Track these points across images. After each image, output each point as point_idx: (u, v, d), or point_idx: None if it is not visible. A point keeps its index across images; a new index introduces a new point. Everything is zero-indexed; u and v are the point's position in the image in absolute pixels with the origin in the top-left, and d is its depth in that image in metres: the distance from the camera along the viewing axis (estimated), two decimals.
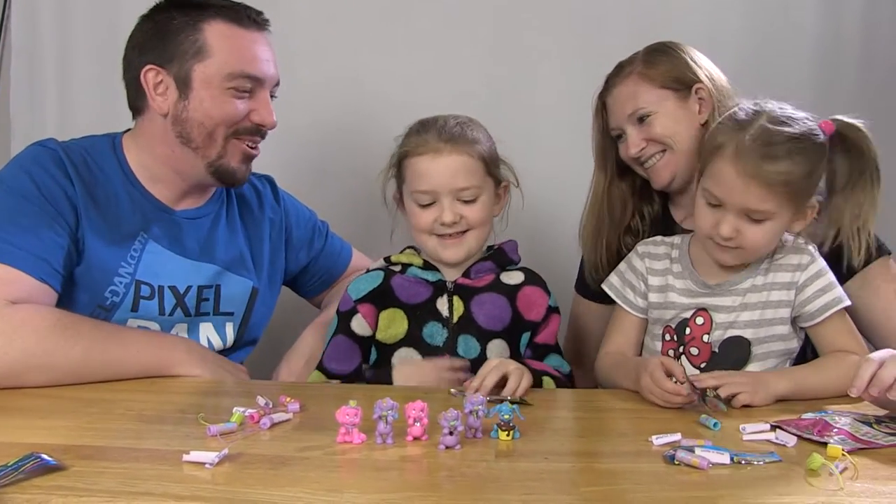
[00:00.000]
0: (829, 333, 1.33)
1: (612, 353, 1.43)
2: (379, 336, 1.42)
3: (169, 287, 1.47)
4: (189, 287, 1.49)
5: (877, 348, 1.42)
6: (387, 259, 1.48)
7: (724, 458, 0.97)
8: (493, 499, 0.88)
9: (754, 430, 1.09)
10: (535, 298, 1.44)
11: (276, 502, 0.85)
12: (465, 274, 1.43)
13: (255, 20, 1.47)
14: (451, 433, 1.02)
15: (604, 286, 1.48)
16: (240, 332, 1.57)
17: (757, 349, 1.33)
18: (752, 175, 1.23)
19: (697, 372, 1.32)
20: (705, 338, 1.34)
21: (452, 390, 1.26)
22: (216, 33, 1.43)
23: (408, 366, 1.38)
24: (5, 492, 0.85)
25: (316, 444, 1.03)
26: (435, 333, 1.40)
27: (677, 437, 1.05)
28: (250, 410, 1.11)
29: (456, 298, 1.41)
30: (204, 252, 1.52)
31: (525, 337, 1.44)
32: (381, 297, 1.42)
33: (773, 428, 1.09)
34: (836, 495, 0.89)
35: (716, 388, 1.18)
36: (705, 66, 1.54)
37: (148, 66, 1.43)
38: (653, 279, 1.41)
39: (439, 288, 1.42)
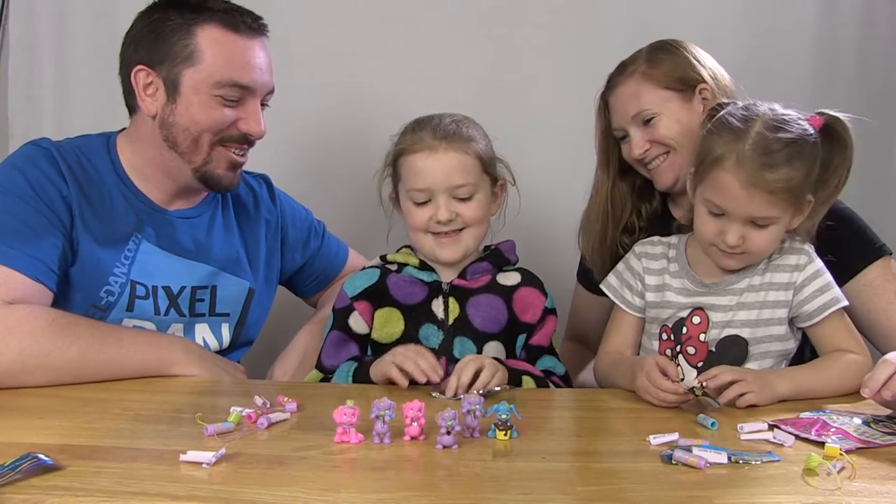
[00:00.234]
0: (828, 333, 1.33)
1: (610, 353, 1.43)
2: (374, 335, 1.41)
3: (163, 287, 1.47)
4: (183, 288, 1.49)
5: (877, 348, 1.43)
6: (383, 258, 1.48)
7: (722, 458, 0.97)
8: (491, 498, 0.88)
9: (752, 430, 1.09)
10: (532, 300, 1.43)
11: (274, 502, 0.85)
12: (462, 275, 1.43)
13: (251, 26, 1.45)
14: (448, 433, 1.02)
15: (602, 286, 1.47)
16: (236, 332, 1.57)
17: (754, 349, 1.33)
18: (756, 185, 1.23)
19: (695, 371, 1.33)
20: (702, 337, 1.34)
21: (433, 393, 1.25)
22: (209, 39, 1.41)
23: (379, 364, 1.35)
24: (2, 492, 0.84)
25: (313, 444, 1.03)
26: (430, 335, 1.39)
27: (675, 436, 1.05)
28: (247, 410, 1.11)
29: (451, 300, 1.40)
30: (199, 252, 1.52)
31: (521, 339, 1.43)
32: (377, 296, 1.42)
33: (771, 427, 1.09)
34: (833, 495, 0.89)
35: (703, 385, 1.18)
36: (709, 66, 1.53)
37: (139, 67, 1.43)
38: (650, 279, 1.41)
39: (435, 289, 1.42)
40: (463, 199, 1.37)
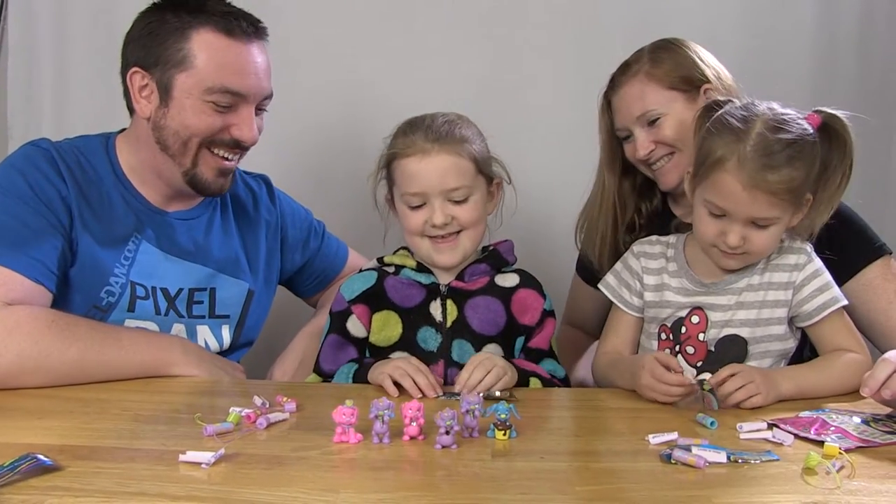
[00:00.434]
0: (828, 332, 1.33)
1: (608, 353, 1.43)
2: (372, 338, 1.40)
3: (160, 289, 1.47)
4: (180, 289, 1.49)
5: (877, 347, 1.43)
6: (380, 260, 1.47)
7: (721, 457, 0.97)
8: (490, 498, 0.88)
9: (751, 429, 1.09)
10: (530, 302, 1.42)
11: (273, 502, 0.85)
12: (459, 276, 1.42)
13: (246, 31, 1.43)
14: (447, 432, 1.02)
15: (600, 286, 1.47)
16: (236, 334, 1.57)
17: (753, 348, 1.33)
18: (757, 186, 1.22)
19: (694, 371, 1.33)
20: (701, 336, 1.34)
21: (452, 395, 1.25)
22: (202, 44, 1.40)
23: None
24: (1, 492, 0.84)
25: (312, 444, 1.03)
26: (428, 338, 1.38)
27: (674, 435, 1.05)
28: (247, 410, 1.11)
29: (450, 302, 1.40)
30: (197, 254, 1.52)
31: (520, 341, 1.42)
32: (375, 299, 1.41)
33: (770, 426, 1.09)
34: (833, 494, 0.89)
35: (703, 382, 1.18)
36: (712, 65, 1.53)
37: (134, 69, 1.42)
38: (648, 278, 1.41)
39: (433, 291, 1.41)
40: (458, 202, 1.36)
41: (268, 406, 1.15)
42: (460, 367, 1.35)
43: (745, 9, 2.07)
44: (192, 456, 0.94)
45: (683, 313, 1.36)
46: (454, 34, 2.08)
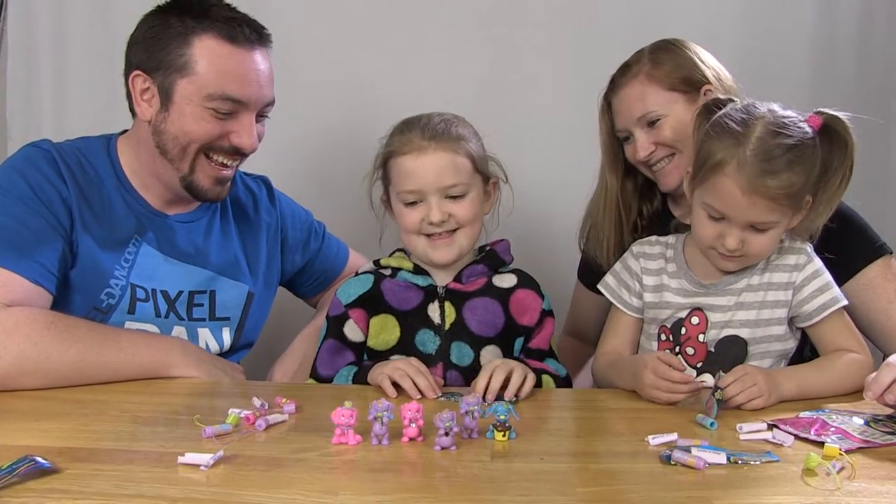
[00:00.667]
0: (829, 333, 1.33)
1: (608, 354, 1.42)
2: (370, 343, 1.40)
3: (161, 291, 1.47)
4: (180, 292, 1.49)
5: (877, 347, 1.43)
6: (376, 262, 1.46)
7: (721, 458, 0.97)
8: (489, 500, 0.88)
9: (751, 430, 1.08)
10: (529, 302, 1.42)
11: None
12: (457, 278, 1.41)
13: (249, 37, 1.42)
14: (446, 434, 1.02)
15: (599, 287, 1.47)
16: (236, 336, 1.56)
17: (754, 349, 1.33)
18: (756, 191, 1.22)
19: (694, 372, 1.32)
20: (701, 337, 1.34)
21: (452, 396, 1.25)
22: (204, 50, 1.39)
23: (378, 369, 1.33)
24: (0, 495, 0.84)
25: (311, 446, 1.02)
26: (427, 341, 1.37)
27: (674, 436, 1.05)
28: (246, 412, 1.10)
29: (448, 304, 1.39)
30: (197, 257, 1.52)
31: (519, 342, 1.42)
32: (372, 302, 1.40)
33: (770, 427, 1.09)
34: (833, 495, 0.89)
35: (716, 388, 1.18)
36: (713, 66, 1.52)
37: (136, 72, 1.42)
38: (647, 279, 1.41)
39: (430, 293, 1.40)
40: (455, 198, 1.36)
41: (267, 407, 1.15)
42: (459, 369, 1.35)
43: (744, 9, 2.07)
44: (190, 458, 0.94)
45: (683, 314, 1.36)
46: (454, 34, 2.07)
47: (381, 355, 1.38)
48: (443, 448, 1.02)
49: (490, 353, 1.38)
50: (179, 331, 1.49)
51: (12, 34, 2.12)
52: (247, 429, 1.08)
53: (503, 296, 1.41)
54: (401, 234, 1.42)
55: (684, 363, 1.34)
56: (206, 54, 1.39)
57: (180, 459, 0.94)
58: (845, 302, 1.32)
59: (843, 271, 1.41)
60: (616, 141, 1.59)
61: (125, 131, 1.53)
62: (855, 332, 1.34)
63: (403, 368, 1.27)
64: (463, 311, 1.39)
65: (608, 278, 1.46)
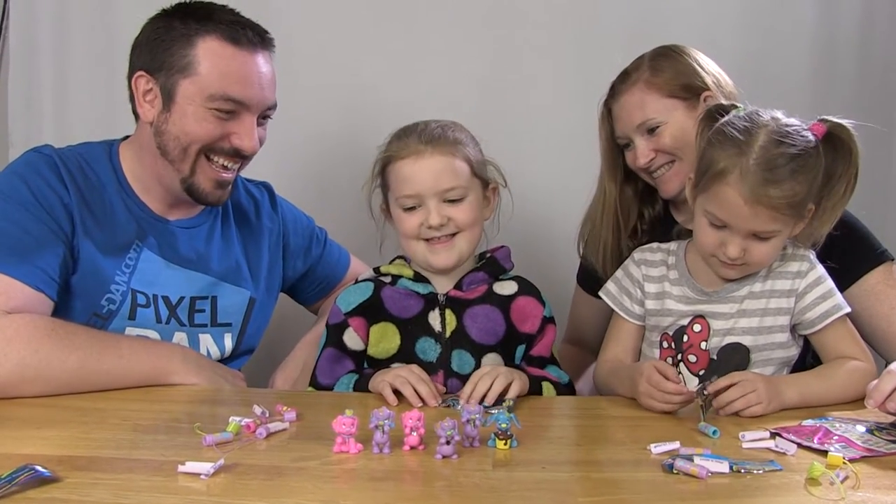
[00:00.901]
0: (831, 340, 1.33)
1: (609, 361, 1.42)
2: (370, 351, 1.39)
3: (162, 297, 1.47)
4: (182, 298, 1.49)
5: (879, 354, 1.42)
6: (376, 270, 1.45)
7: (724, 467, 0.96)
8: None
9: (754, 438, 1.08)
10: (530, 310, 1.41)
11: None
12: (457, 286, 1.41)
13: (252, 40, 1.43)
14: (447, 442, 1.01)
15: (601, 294, 1.47)
16: (238, 342, 1.56)
17: (756, 356, 1.32)
18: (759, 201, 1.21)
19: (696, 380, 1.32)
20: (703, 345, 1.34)
21: (451, 400, 1.25)
22: (207, 51, 1.40)
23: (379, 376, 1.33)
24: None
25: (312, 454, 1.02)
26: (428, 349, 1.37)
27: (676, 445, 1.04)
28: (246, 420, 1.10)
29: (448, 312, 1.38)
30: (199, 262, 1.51)
31: (520, 350, 1.41)
32: (372, 310, 1.39)
33: (773, 435, 1.09)
34: None
35: (706, 393, 1.17)
36: (712, 71, 1.52)
37: (139, 73, 1.43)
38: (649, 286, 1.40)
39: (431, 301, 1.39)
40: (453, 202, 1.35)
41: (267, 415, 1.15)
42: (460, 377, 1.34)
43: (744, 10, 2.07)
44: (191, 467, 0.94)
45: (685, 321, 1.36)
46: (455, 36, 2.07)
47: (382, 363, 1.38)
48: (444, 456, 1.01)
49: (491, 361, 1.37)
50: (180, 337, 1.49)
51: (14, 40, 2.12)
52: (247, 437, 1.08)
53: (504, 303, 1.41)
54: (400, 241, 1.42)
55: (686, 371, 1.34)
56: (209, 55, 1.40)
57: (180, 468, 0.94)
58: (848, 309, 1.32)
59: (844, 278, 1.41)
60: (616, 147, 1.59)
61: (127, 137, 1.53)
62: (858, 339, 1.34)
63: (405, 376, 1.26)
64: (464, 318, 1.38)
65: (609, 285, 1.46)
